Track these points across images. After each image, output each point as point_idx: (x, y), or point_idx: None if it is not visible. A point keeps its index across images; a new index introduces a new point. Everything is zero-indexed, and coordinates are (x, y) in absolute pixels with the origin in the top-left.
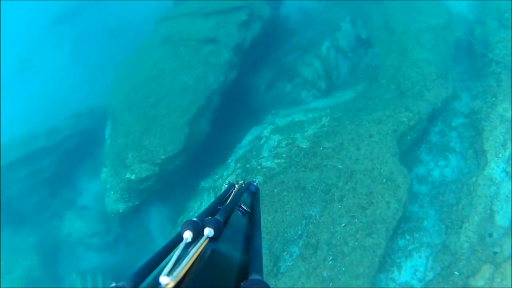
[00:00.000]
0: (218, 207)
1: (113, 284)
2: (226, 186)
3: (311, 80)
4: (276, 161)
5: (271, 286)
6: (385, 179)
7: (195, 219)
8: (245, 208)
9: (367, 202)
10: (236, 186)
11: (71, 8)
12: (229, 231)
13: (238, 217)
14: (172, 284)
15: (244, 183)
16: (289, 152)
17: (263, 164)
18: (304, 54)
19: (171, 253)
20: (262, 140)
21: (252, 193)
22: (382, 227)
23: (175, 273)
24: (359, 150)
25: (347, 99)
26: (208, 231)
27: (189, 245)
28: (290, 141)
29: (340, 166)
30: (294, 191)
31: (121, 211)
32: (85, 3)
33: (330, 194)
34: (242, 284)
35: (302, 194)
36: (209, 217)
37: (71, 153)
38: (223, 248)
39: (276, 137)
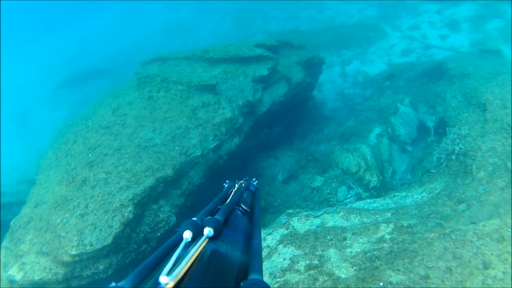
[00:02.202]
0: (218, 206)
1: (113, 284)
2: (225, 185)
3: (355, 172)
4: None
5: (270, 286)
6: None
7: (195, 218)
8: (245, 208)
9: None
10: (236, 185)
11: (82, 73)
12: (229, 231)
13: (238, 217)
14: (171, 284)
15: (244, 182)
16: (312, 284)
17: None
18: (344, 143)
19: (171, 253)
20: (263, 255)
21: (252, 193)
22: None
23: (174, 273)
24: None
25: (417, 202)
26: (207, 231)
27: (189, 245)
28: (316, 262)
29: None
30: None
31: None
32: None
33: None
34: (241, 283)
35: None
36: (209, 217)
37: None
38: (222, 248)
39: (289, 252)
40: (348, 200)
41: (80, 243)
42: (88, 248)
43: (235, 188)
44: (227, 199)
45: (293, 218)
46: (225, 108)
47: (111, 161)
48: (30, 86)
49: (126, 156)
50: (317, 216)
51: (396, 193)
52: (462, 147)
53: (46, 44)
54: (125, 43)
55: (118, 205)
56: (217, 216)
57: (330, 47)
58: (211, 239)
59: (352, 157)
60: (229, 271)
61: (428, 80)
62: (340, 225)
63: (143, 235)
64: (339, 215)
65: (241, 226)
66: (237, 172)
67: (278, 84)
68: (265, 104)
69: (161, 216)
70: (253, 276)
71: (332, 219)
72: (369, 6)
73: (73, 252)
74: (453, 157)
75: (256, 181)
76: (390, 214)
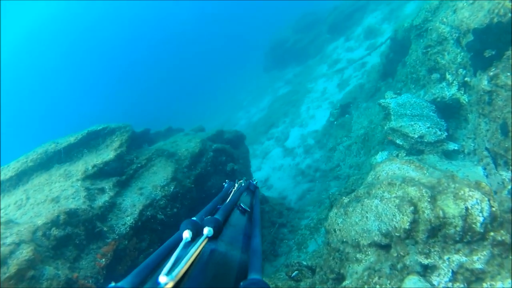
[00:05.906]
0: (218, 206)
1: (112, 284)
2: (225, 185)
3: (411, 225)
4: None
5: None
6: None
7: (194, 218)
8: (244, 207)
9: None
10: (236, 185)
11: None
12: (228, 230)
13: (237, 216)
14: (171, 283)
15: (243, 182)
16: None
17: None
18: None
19: (171, 253)
20: None
21: (252, 192)
22: None
23: (174, 273)
24: None
25: None
26: (207, 231)
27: (188, 245)
28: None
29: None
30: None
31: None
32: None
33: None
34: (241, 283)
35: None
36: (209, 216)
37: None
38: (222, 248)
39: None
40: None
41: None
42: None
43: (235, 188)
44: (227, 199)
45: None
46: None
47: None
48: None
49: None
50: None
51: None
52: None
53: None
54: None
55: None
56: (216, 216)
57: (254, 138)
58: (210, 238)
59: (378, 202)
60: (228, 271)
61: (392, 78)
62: None
63: None
64: None
65: (241, 225)
66: None
67: (152, 168)
68: (127, 212)
69: None
70: (253, 275)
71: None
72: (279, 89)
73: None
74: None
75: (256, 181)
76: None
